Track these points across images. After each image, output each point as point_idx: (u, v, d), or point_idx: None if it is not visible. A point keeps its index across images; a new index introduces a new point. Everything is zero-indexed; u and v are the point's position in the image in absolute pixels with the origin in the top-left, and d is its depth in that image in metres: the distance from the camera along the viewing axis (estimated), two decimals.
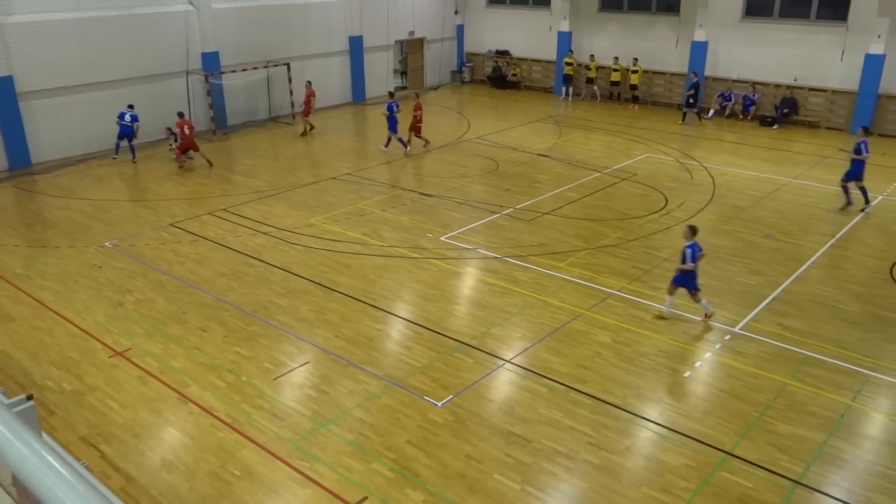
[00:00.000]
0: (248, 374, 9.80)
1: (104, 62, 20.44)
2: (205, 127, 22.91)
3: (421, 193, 17.21)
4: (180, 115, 19.77)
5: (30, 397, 4.08)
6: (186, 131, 19.42)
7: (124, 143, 19.89)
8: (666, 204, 16.48)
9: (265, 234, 14.75)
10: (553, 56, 29.42)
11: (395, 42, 29.81)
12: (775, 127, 23.72)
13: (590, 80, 28.16)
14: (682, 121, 24.66)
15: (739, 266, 13.20)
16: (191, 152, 19.79)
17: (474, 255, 13.69)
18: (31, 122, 19.37)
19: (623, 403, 9.15)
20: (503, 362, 10.09)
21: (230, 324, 11.16)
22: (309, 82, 22.85)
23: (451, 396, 9.27)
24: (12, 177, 18.69)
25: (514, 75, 30.83)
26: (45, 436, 3.90)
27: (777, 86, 24.29)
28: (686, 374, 9.83)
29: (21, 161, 19.34)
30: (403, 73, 31.94)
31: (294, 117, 24.37)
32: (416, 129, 21.02)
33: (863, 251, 13.90)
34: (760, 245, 14.17)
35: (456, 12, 31.89)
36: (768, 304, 11.77)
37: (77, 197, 17.21)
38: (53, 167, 19.49)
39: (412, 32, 30.11)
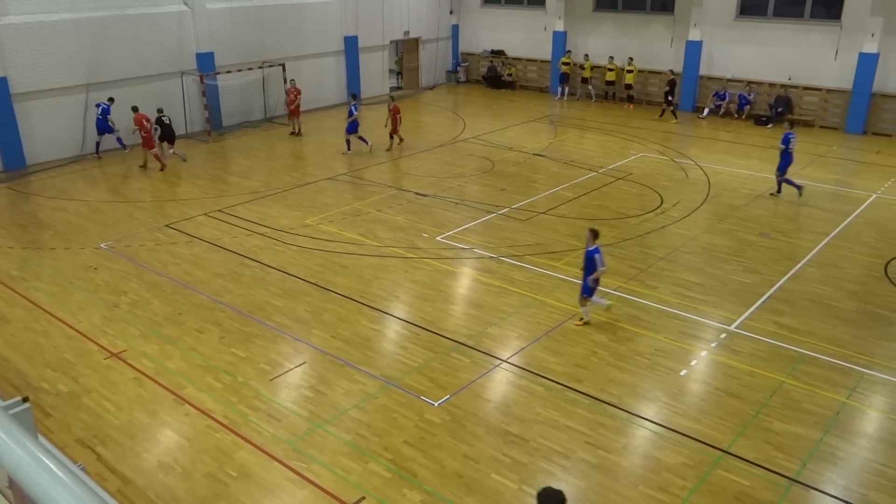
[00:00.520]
0: (245, 375, 9.78)
1: (99, 63, 20.39)
2: (200, 128, 22.88)
3: (417, 193, 17.21)
4: (135, 109, 19.15)
5: (25, 399, 4.07)
6: (146, 124, 18.85)
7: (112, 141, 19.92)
8: (661, 203, 16.51)
9: (261, 234, 14.73)
10: (548, 56, 29.44)
11: (391, 42, 29.80)
12: (770, 126, 23.77)
13: (585, 80, 28.19)
14: (660, 116, 25.03)
15: (735, 265, 13.23)
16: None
17: (470, 255, 13.70)
18: (26, 123, 19.32)
19: (619, 402, 9.16)
20: (500, 362, 10.09)
21: (226, 325, 11.15)
22: (293, 81, 22.88)
23: (448, 396, 9.27)
24: (7, 178, 18.63)
25: (510, 75, 30.84)
26: (41, 438, 3.88)
27: (771, 85, 24.36)
28: (682, 373, 9.85)
29: (15, 162, 19.29)
30: (399, 74, 31.93)
31: (290, 117, 24.31)
32: (394, 129, 21.18)
33: (858, 249, 13.95)
34: (756, 243, 14.20)
35: (451, 12, 31.89)
36: (764, 302, 11.80)
37: (72, 198, 17.16)
38: (48, 168, 19.43)
39: (407, 32, 30.11)
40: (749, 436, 8.50)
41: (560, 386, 9.50)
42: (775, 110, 23.91)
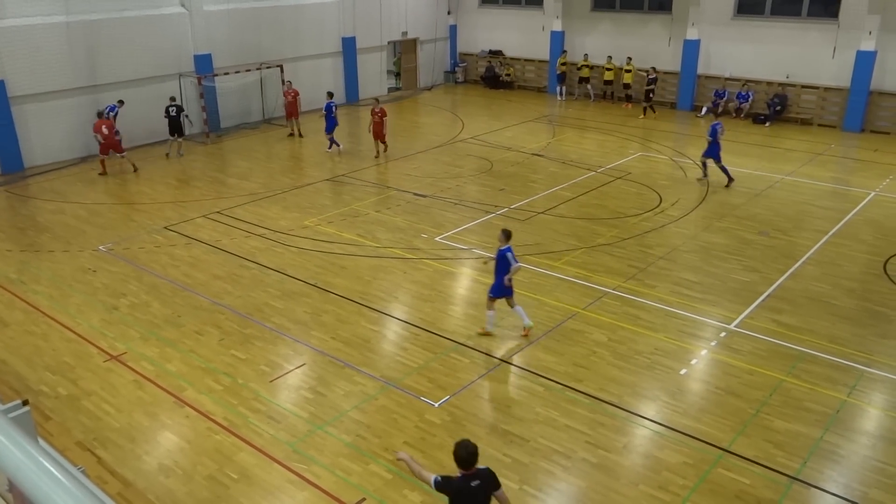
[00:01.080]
0: (245, 377, 9.78)
1: (96, 66, 20.38)
2: (198, 129, 22.87)
3: (415, 194, 17.21)
4: (99, 115, 18.90)
5: (25, 403, 4.07)
6: (105, 131, 18.46)
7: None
8: (660, 202, 16.51)
9: (260, 236, 14.72)
10: (546, 56, 29.44)
11: (389, 43, 29.79)
12: (767, 124, 23.78)
13: (583, 80, 28.20)
14: (643, 115, 25.26)
15: (734, 263, 13.23)
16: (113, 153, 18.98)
17: (469, 256, 13.69)
18: (23, 126, 19.30)
19: (620, 402, 9.16)
20: (499, 362, 10.09)
21: (226, 327, 11.14)
22: (289, 82, 22.85)
23: (448, 397, 9.27)
24: (5, 181, 18.61)
25: (508, 75, 30.84)
26: (41, 441, 3.88)
27: (769, 83, 24.36)
28: (682, 372, 9.85)
29: (13, 165, 19.26)
30: (397, 74, 31.92)
31: (288, 119, 24.31)
32: (377, 134, 20.16)
33: (856, 247, 13.96)
34: (755, 242, 14.21)
35: (449, 12, 31.89)
36: (763, 300, 11.80)
37: (70, 201, 17.15)
38: (46, 171, 19.41)
39: (405, 33, 30.10)
40: (749, 434, 8.50)
41: (560, 386, 9.50)
42: (773, 109, 23.92)
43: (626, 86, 26.88)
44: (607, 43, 27.72)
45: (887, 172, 18.65)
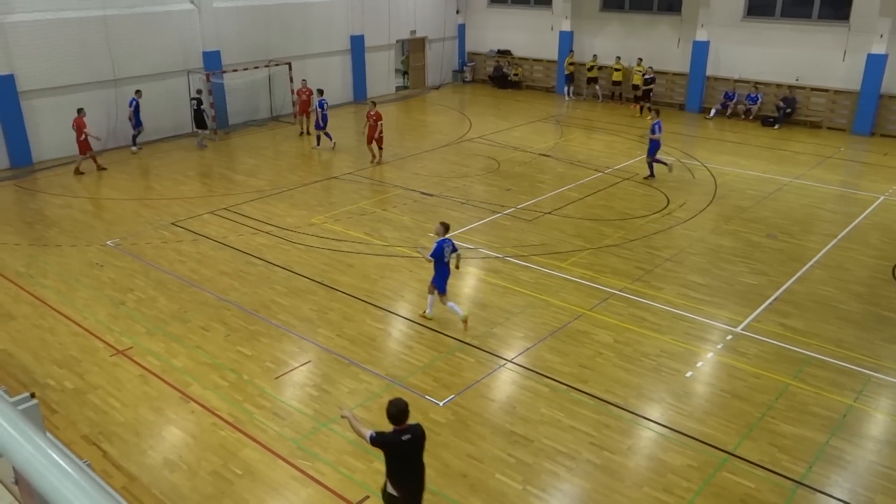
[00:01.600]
0: (250, 374, 9.80)
1: (105, 61, 20.43)
2: (207, 126, 22.89)
3: (422, 193, 17.20)
4: (79, 111, 18.52)
5: (32, 396, 4.09)
6: (74, 130, 18.34)
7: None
8: (668, 204, 16.47)
9: (267, 233, 14.75)
10: (554, 56, 29.40)
11: (397, 41, 29.80)
12: (776, 127, 23.70)
13: (591, 80, 28.16)
14: (640, 113, 25.49)
15: (741, 266, 13.19)
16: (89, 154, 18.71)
17: (476, 255, 13.69)
18: (32, 120, 19.38)
19: (625, 403, 9.14)
20: (505, 362, 10.08)
21: (232, 323, 11.16)
22: (304, 81, 22.84)
23: (453, 396, 9.27)
24: (14, 175, 18.70)
25: (516, 75, 30.81)
26: (48, 434, 3.90)
27: (779, 85, 24.27)
28: (688, 375, 9.82)
29: (22, 160, 19.35)
30: (405, 73, 31.93)
31: (296, 116, 24.34)
32: (373, 139, 19.34)
33: (864, 251, 13.89)
34: (762, 245, 14.16)
35: (457, 12, 31.88)
36: (770, 304, 11.76)
37: (78, 195, 17.22)
38: (54, 166, 19.49)
39: (414, 32, 30.10)
40: (755, 438, 8.47)
41: (565, 386, 9.49)
42: (782, 111, 23.83)
43: (636, 87, 26.82)
44: (616, 43, 27.67)
45: None
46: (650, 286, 12.33)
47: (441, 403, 9.12)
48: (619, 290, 12.14)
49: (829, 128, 23.58)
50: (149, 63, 21.43)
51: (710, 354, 10.33)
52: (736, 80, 25.07)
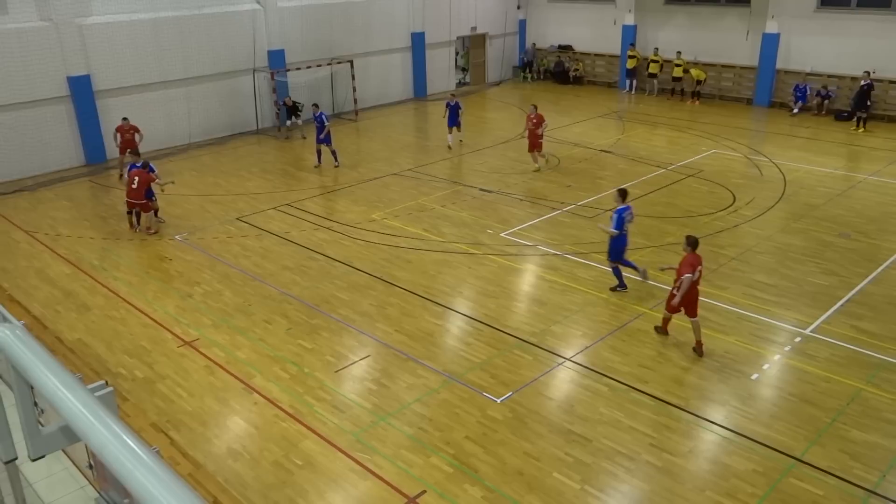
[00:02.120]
0: (311, 367, 9.98)
1: (176, 61, 21.11)
2: (270, 124, 23.46)
3: (481, 189, 17.19)
4: (124, 119, 18.44)
5: (106, 384, 4.26)
6: (125, 135, 18.11)
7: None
8: (734, 201, 16.01)
9: (328, 228, 14.98)
10: (617, 50, 28.93)
11: (457, 38, 29.82)
12: (859, 124, 22.64)
13: (652, 75, 27.58)
14: (674, 96, 26.66)
15: (811, 266, 12.72)
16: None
17: (534, 252, 13.60)
18: (107, 119, 20.13)
19: (686, 405, 8.95)
20: (563, 360, 9.99)
21: (293, 316, 11.39)
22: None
23: (511, 393, 9.24)
24: (89, 172, 19.51)
25: (577, 70, 30.43)
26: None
27: (853, 79, 23.26)
28: (753, 377, 9.54)
29: (97, 157, 20.16)
30: (465, 69, 31.91)
31: (357, 114, 24.60)
32: (535, 146, 18.25)
33: None
34: (834, 244, 13.63)
35: (518, 7, 31.69)
36: (842, 305, 11.31)
37: None
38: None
39: (474, 28, 30.06)
40: (824, 444, 8.18)
41: (625, 386, 9.34)
42: (857, 105, 22.81)
43: (698, 82, 26.13)
44: (681, 37, 27.01)
45: None
46: (714, 285, 12.01)
47: (499, 400, 9.10)
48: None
49: None
50: (216, 62, 22.02)
51: (777, 356, 10.01)
52: (808, 74, 24.16)
